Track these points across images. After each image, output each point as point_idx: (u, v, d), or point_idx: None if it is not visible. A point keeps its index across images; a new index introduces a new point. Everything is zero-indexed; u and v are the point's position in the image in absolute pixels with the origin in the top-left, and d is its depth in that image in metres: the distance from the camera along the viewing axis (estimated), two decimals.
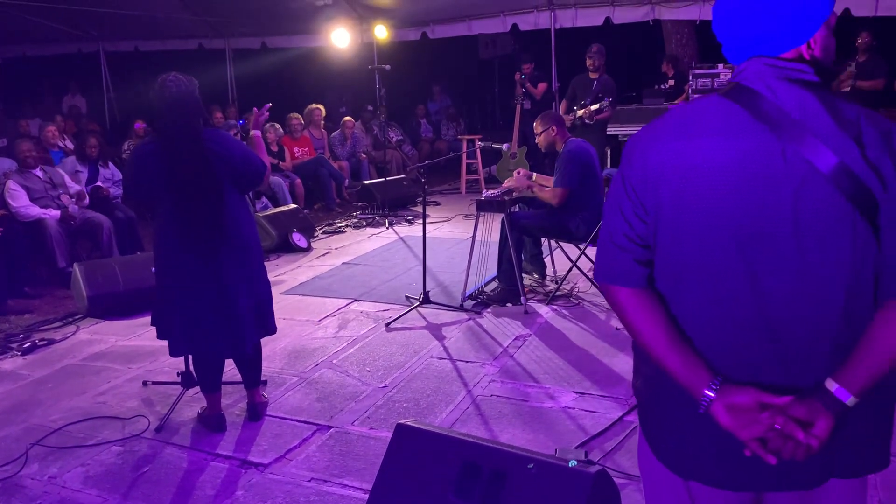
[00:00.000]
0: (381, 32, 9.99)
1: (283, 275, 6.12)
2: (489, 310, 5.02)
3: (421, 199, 5.31)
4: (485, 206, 5.15)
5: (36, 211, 5.87)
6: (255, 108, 3.81)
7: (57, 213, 5.95)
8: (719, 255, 1.37)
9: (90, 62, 12.23)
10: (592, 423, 3.34)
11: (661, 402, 1.53)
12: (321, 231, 7.83)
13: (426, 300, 5.02)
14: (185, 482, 3.00)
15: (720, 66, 8.38)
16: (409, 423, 2.43)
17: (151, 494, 2.91)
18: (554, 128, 5.18)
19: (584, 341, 4.38)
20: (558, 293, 5.22)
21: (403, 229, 7.84)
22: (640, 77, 10.39)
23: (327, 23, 10.12)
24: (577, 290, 5.34)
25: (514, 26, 9.87)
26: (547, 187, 5.20)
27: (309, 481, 2.95)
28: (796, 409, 1.33)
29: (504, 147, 6.39)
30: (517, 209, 5.37)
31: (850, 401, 1.32)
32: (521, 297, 4.99)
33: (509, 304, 5.10)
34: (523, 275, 5.28)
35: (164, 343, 3.37)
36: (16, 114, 10.21)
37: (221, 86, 11.79)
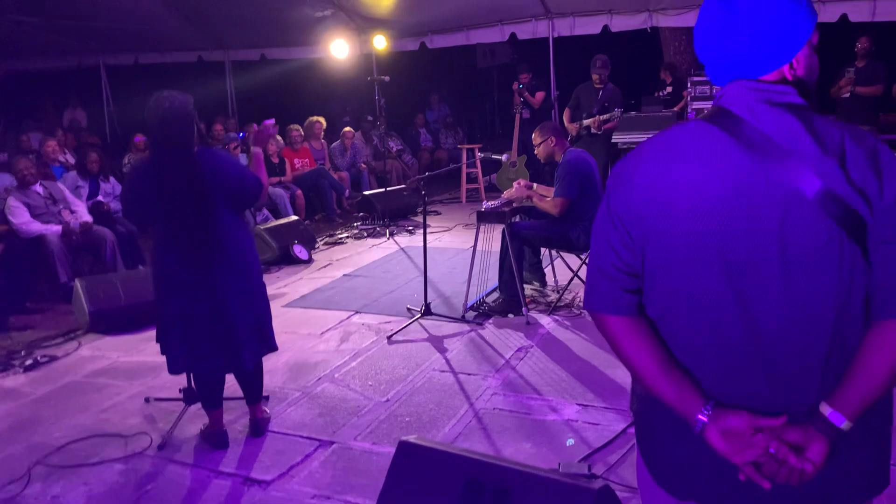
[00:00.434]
0: (380, 43, 10.01)
1: (285, 287, 6.12)
2: (491, 321, 5.02)
3: (421, 208, 5.31)
4: (485, 218, 5.16)
5: (37, 227, 5.88)
6: (255, 125, 3.80)
7: (58, 228, 5.95)
8: (708, 281, 1.37)
9: (90, 75, 12.27)
10: (596, 436, 3.33)
11: (657, 424, 1.53)
12: (322, 242, 7.83)
13: (427, 312, 5.02)
14: (188, 500, 3.00)
15: None
16: (411, 440, 2.43)
17: None
18: (552, 138, 5.19)
19: (586, 352, 4.38)
20: (559, 303, 5.22)
21: (404, 239, 7.84)
22: (639, 84, 10.41)
23: (326, 34, 10.15)
24: (578, 299, 5.33)
25: (513, 35, 9.90)
26: (547, 197, 5.21)
27: (312, 498, 2.95)
28: (790, 433, 1.33)
29: (504, 158, 6.40)
30: (517, 219, 5.37)
31: (845, 425, 1.31)
32: (523, 308, 4.98)
33: (511, 315, 5.10)
34: (524, 284, 5.28)
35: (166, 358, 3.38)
36: (17, 127, 10.24)
37: (221, 98, 11.83)
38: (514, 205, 5.27)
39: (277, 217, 8.07)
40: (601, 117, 7.54)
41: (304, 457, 3.29)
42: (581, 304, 5.24)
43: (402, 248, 7.40)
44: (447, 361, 4.32)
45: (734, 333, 1.37)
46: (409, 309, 5.24)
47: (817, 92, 1.46)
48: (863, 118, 7.65)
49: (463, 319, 5.00)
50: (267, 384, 3.83)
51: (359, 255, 7.22)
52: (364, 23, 10.29)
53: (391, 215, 8.59)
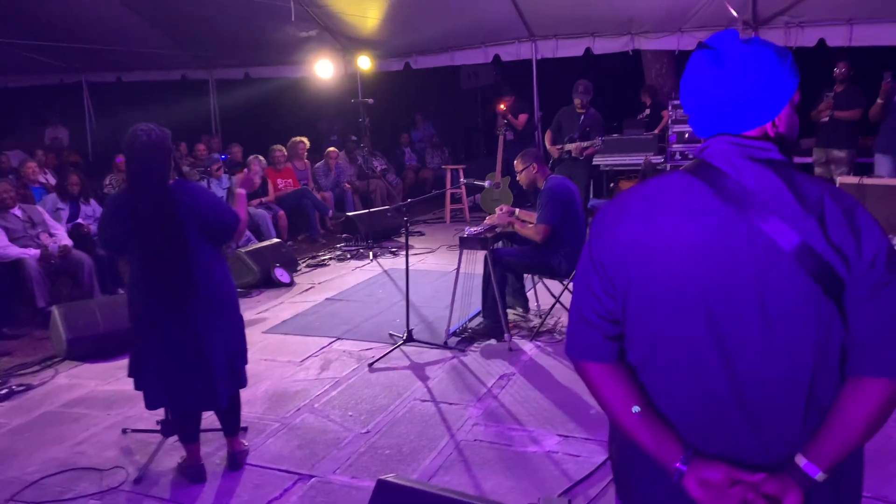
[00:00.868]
0: (365, 63, 10.04)
1: (265, 312, 6.08)
2: (473, 346, 5.01)
3: (404, 230, 5.30)
4: (467, 244, 5.15)
5: (15, 251, 5.81)
6: (245, 170, 3.79)
7: (37, 252, 5.89)
8: (689, 332, 1.38)
9: (73, 92, 12.21)
10: (576, 468, 3.32)
11: (635, 470, 1.53)
12: (304, 264, 7.80)
13: (410, 338, 5.00)
14: None
15: None
16: (389, 479, 2.40)
17: None
18: (534, 165, 5.21)
19: (569, 379, 4.37)
20: (542, 329, 5.22)
21: (388, 262, 7.83)
22: (621, 106, 10.49)
23: (311, 54, 10.16)
24: (560, 325, 5.34)
25: (496, 57, 9.96)
26: (529, 223, 5.22)
27: None
28: (767, 485, 1.34)
29: (487, 184, 6.41)
30: (500, 245, 5.37)
31: (819, 476, 1.33)
32: (506, 335, 4.98)
33: (493, 340, 5.09)
34: (507, 309, 5.28)
35: None
36: None
37: (205, 117, 11.81)
38: (497, 230, 5.28)
39: (260, 238, 8.03)
40: (583, 144, 7.58)
41: (283, 491, 3.25)
42: (563, 330, 5.24)
43: (385, 271, 7.38)
44: (429, 390, 4.30)
45: (714, 383, 1.38)
46: (391, 335, 5.22)
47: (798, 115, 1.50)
48: (842, 141, 7.74)
49: (445, 346, 4.98)
50: (245, 414, 3.79)
51: (341, 278, 7.19)
52: (349, 43, 10.32)
53: (375, 236, 8.56)
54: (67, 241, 6.16)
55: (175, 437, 3.53)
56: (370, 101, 8.58)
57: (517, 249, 5.29)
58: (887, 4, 7.51)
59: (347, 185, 10.44)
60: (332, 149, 10.68)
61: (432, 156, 12.64)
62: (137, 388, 3.31)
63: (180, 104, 11.67)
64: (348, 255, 8.14)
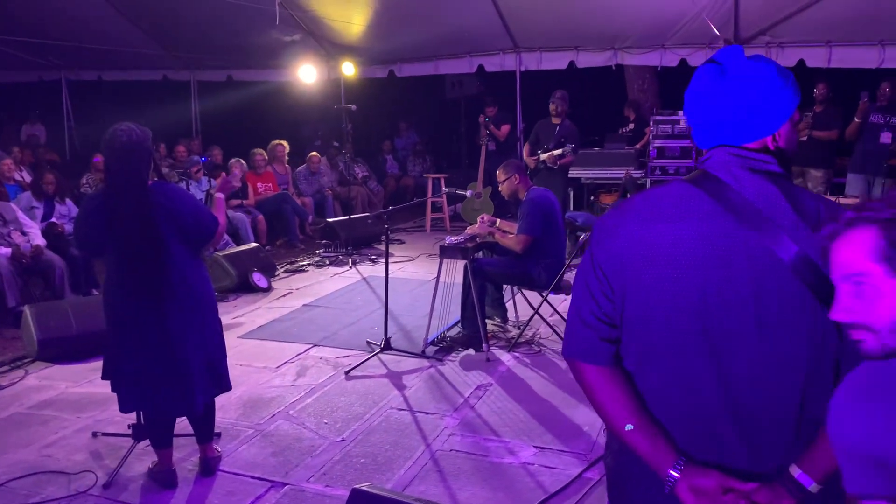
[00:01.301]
0: (349, 69, 10.03)
1: (242, 317, 6.02)
2: (451, 356, 4.99)
3: (385, 237, 5.28)
4: (448, 253, 5.14)
5: None
6: (223, 174, 3.75)
7: (8, 250, 5.79)
8: (684, 338, 1.40)
9: (51, 90, 12.06)
10: (552, 480, 3.31)
11: (630, 476, 1.54)
12: (283, 270, 7.74)
13: (387, 346, 4.97)
14: None
15: (680, 112, 8.56)
16: (363, 489, 2.38)
17: None
18: (516, 176, 5.22)
19: (546, 391, 4.37)
20: (520, 340, 5.21)
21: (367, 269, 7.79)
22: (603, 121, 10.57)
23: (295, 58, 10.13)
24: (538, 336, 5.34)
25: (481, 67, 10.01)
26: (510, 234, 5.23)
27: None
28: (760, 494, 1.36)
29: (468, 193, 6.42)
30: (480, 255, 5.37)
31: (813, 487, 1.35)
32: (484, 345, 4.97)
33: (472, 350, 5.08)
34: (485, 320, 5.27)
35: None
36: None
37: (185, 118, 11.72)
38: (478, 240, 5.28)
39: (238, 242, 7.96)
40: (555, 153, 7.61)
41: (255, 498, 3.21)
42: (541, 342, 5.25)
43: (364, 278, 7.34)
44: (405, 399, 4.27)
45: (708, 390, 1.40)
46: (368, 343, 5.19)
47: None
48: (819, 161, 7.86)
49: (423, 355, 4.96)
50: (219, 420, 3.75)
51: (320, 284, 7.15)
52: (333, 49, 10.31)
53: (354, 243, 8.53)
54: (41, 241, 6.06)
55: (146, 442, 3.47)
56: (353, 107, 8.56)
57: (497, 260, 5.29)
58: (864, 28, 7.66)
59: (328, 191, 10.39)
60: (314, 154, 10.64)
61: (414, 164, 12.64)
62: (114, 390, 3.26)
63: (161, 105, 11.57)
64: (327, 262, 8.10)
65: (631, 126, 9.77)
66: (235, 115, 12.31)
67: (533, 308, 5.31)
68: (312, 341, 5.32)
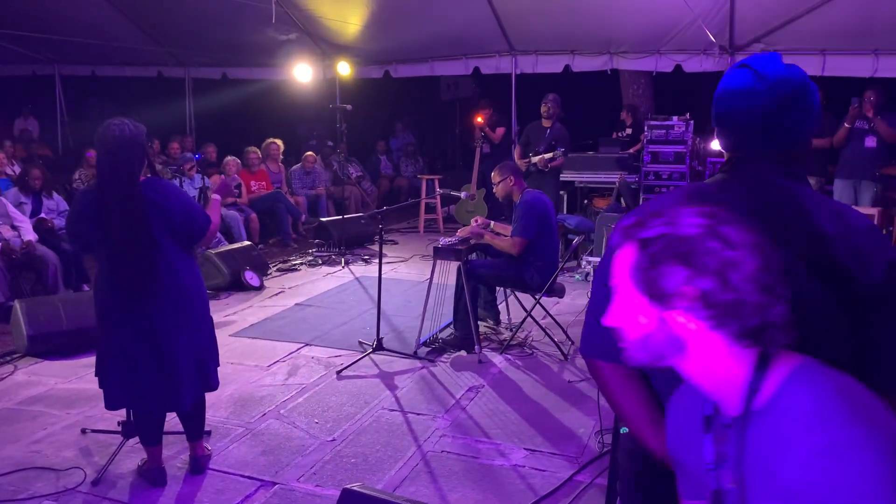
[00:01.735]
0: (344, 69, 10.03)
1: (234, 315, 6.00)
2: (443, 357, 4.99)
3: (378, 237, 5.27)
4: (441, 254, 5.14)
5: None
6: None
7: None
8: None
9: (45, 84, 12.00)
10: (542, 483, 3.31)
11: (645, 476, 1.57)
12: (275, 268, 7.72)
13: (379, 347, 4.96)
14: None
15: (674, 118, 8.60)
16: (354, 488, 2.37)
17: None
18: (511, 178, 5.23)
19: (537, 394, 4.37)
20: (512, 342, 5.22)
21: (359, 269, 7.78)
22: (597, 125, 10.59)
23: (290, 57, 10.12)
24: (531, 339, 5.34)
25: (476, 69, 10.02)
26: (504, 236, 5.23)
27: None
28: None
29: (463, 195, 6.41)
30: (474, 257, 5.37)
31: None
32: (476, 346, 4.97)
33: (463, 352, 5.07)
34: (478, 321, 5.27)
35: None
36: None
37: (180, 115, 11.69)
38: (472, 242, 5.28)
39: (230, 240, 7.93)
40: (545, 156, 7.62)
41: (244, 497, 3.20)
42: (533, 344, 5.25)
43: (356, 278, 7.33)
44: (397, 400, 4.26)
45: None
46: (360, 343, 5.18)
47: None
48: (812, 169, 7.89)
49: (415, 356, 4.95)
50: (209, 418, 3.73)
51: (312, 284, 7.14)
52: (329, 48, 10.30)
53: (347, 243, 8.51)
54: (32, 236, 6.03)
55: (136, 439, 3.45)
56: (348, 107, 8.55)
57: (491, 262, 5.29)
58: (858, 37, 7.71)
59: (321, 191, 10.37)
60: (309, 153, 10.62)
61: (407, 165, 12.64)
62: (102, 386, 3.24)
63: (155, 101, 11.54)
64: (320, 261, 8.08)
65: (628, 131, 9.79)
66: (230, 113, 12.29)
67: (525, 310, 5.32)
68: (304, 340, 5.31)
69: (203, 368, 3.28)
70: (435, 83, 14.14)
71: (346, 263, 7.94)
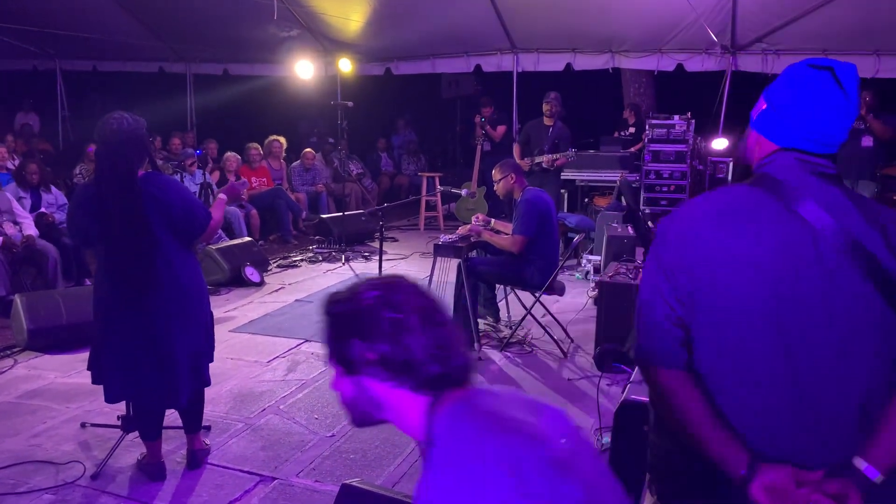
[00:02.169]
0: (346, 66, 10.03)
1: (234, 311, 6.00)
2: None
3: (378, 234, 5.27)
4: (441, 251, 5.14)
5: None
6: (232, 178, 3.71)
7: None
8: (758, 340, 1.43)
9: (46, 79, 12.00)
10: None
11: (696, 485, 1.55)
12: (275, 264, 7.72)
13: None
14: None
15: (676, 117, 8.59)
16: (354, 484, 2.38)
17: None
18: (512, 176, 5.23)
19: (536, 391, 4.37)
20: (512, 340, 5.22)
21: (360, 266, 7.79)
22: (599, 123, 10.59)
23: (292, 54, 10.12)
24: (530, 336, 5.34)
25: (478, 67, 10.02)
26: (504, 233, 5.23)
27: None
28: (830, 485, 1.38)
29: (463, 192, 6.42)
30: (474, 255, 5.37)
31: (878, 478, 1.38)
32: (476, 344, 4.97)
33: None
34: (478, 319, 5.27)
35: None
36: None
37: (181, 111, 11.67)
38: (472, 239, 5.28)
39: (231, 236, 7.93)
40: (554, 155, 7.62)
41: (244, 492, 3.20)
42: (532, 342, 5.25)
43: (356, 275, 7.34)
44: None
45: (780, 388, 1.43)
46: None
47: None
48: None
49: None
50: (209, 413, 3.74)
51: (312, 280, 7.14)
52: (330, 45, 10.30)
53: (348, 240, 8.52)
54: (33, 231, 6.03)
55: (135, 433, 3.46)
56: (349, 104, 8.55)
57: (491, 259, 5.29)
58: (860, 38, 7.71)
59: (321, 187, 10.37)
60: (308, 150, 10.62)
61: (408, 162, 12.63)
62: (95, 381, 3.24)
63: (156, 97, 11.52)
64: (320, 258, 8.09)
65: (631, 130, 9.79)
66: (231, 109, 12.28)
67: (525, 308, 5.32)
68: (304, 336, 5.32)
69: (198, 364, 3.27)
70: (436, 80, 14.13)
71: (347, 260, 7.95)
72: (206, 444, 3.55)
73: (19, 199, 6.53)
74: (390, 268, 7.53)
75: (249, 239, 7.73)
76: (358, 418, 1.39)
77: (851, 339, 1.40)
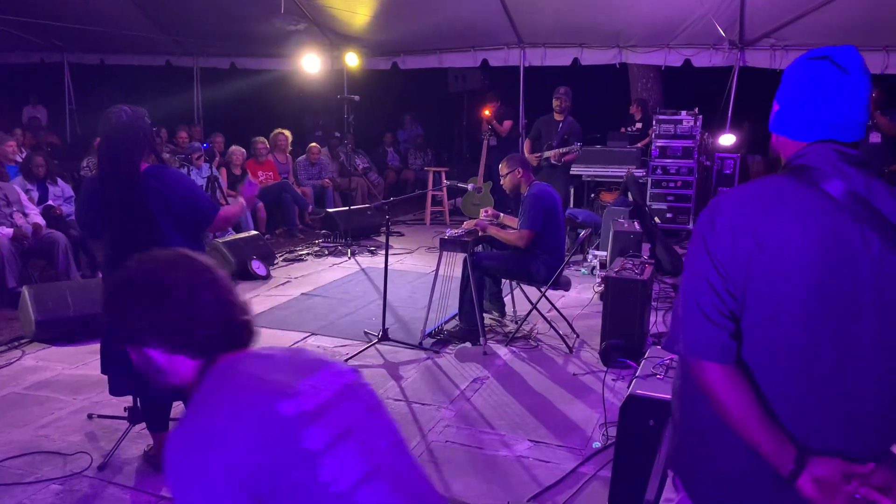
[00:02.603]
0: (352, 60, 10.02)
1: None
2: (448, 348, 5.00)
3: (384, 229, 5.28)
4: (447, 245, 5.14)
5: None
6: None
7: (9, 231, 5.78)
8: (810, 333, 1.42)
9: (53, 72, 12.03)
10: (546, 474, 3.32)
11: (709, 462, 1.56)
12: (281, 258, 7.74)
13: (385, 337, 4.98)
14: None
15: (683, 112, 8.57)
16: None
17: None
18: (519, 170, 5.22)
19: (542, 386, 4.38)
20: (517, 334, 5.22)
21: (365, 260, 7.80)
22: (606, 118, 10.57)
23: (298, 47, 10.12)
24: (536, 331, 5.35)
25: (485, 62, 10.01)
26: (512, 228, 5.23)
27: None
28: (875, 476, 1.38)
29: (469, 187, 6.41)
30: (480, 249, 5.38)
31: None
32: (481, 338, 4.97)
33: (468, 344, 5.08)
34: (483, 313, 5.27)
35: None
36: None
37: (188, 105, 11.69)
38: (480, 233, 5.27)
39: (237, 230, 7.96)
40: (561, 150, 7.60)
41: None
42: (538, 336, 5.25)
43: (362, 269, 7.35)
44: (402, 390, 4.28)
45: (829, 381, 1.43)
46: (366, 333, 5.19)
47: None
48: None
49: (420, 346, 4.96)
50: None
51: (318, 274, 7.15)
52: (337, 39, 10.29)
53: (354, 234, 8.53)
54: (40, 221, 6.05)
55: (142, 425, 3.48)
56: (356, 97, 8.55)
57: (497, 254, 5.29)
58: (870, 33, 7.66)
59: (328, 182, 10.38)
60: (314, 144, 10.63)
61: (415, 157, 12.63)
62: (103, 371, 3.26)
63: (163, 90, 11.55)
64: (326, 252, 8.10)
65: (638, 125, 9.76)
66: (238, 103, 12.29)
67: (531, 303, 5.32)
68: (310, 330, 5.33)
69: None
70: (443, 75, 14.13)
71: (352, 254, 7.96)
72: None
73: (26, 192, 6.55)
74: (396, 262, 7.54)
75: (256, 232, 7.75)
76: (153, 384, 1.50)
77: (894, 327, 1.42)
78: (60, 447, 3.51)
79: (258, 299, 6.20)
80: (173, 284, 1.40)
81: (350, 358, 4.72)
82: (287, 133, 10.01)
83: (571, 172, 8.53)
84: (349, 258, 7.83)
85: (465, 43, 9.86)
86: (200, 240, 3.39)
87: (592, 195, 9.41)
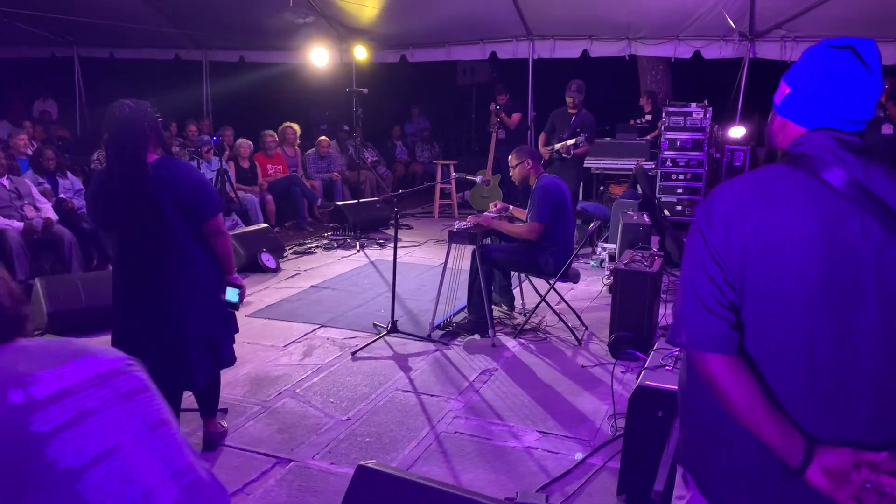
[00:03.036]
0: (361, 53, 10.02)
1: (251, 296, 6.04)
2: (457, 341, 5.01)
3: (393, 222, 5.29)
4: (456, 238, 5.15)
5: None
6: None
7: (20, 224, 5.83)
8: (812, 321, 1.41)
9: (64, 67, 12.07)
10: (555, 465, 3.33)
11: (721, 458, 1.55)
12: (291, 251, 7.77)
13: (394, 329, 5.00)
14: None
15: (693, 104, 8.53)
16: (369, 465, 2.40)
17: None
18: (528, 161, 5.22)
19: (550, 378, 4.39)
20: (526, 327, 5.23)
21: (374, 253, 7.82)
22: (615, 111, 10.54)
23: (307, 41, 10.12)
24: (544, 324, 5.35)
25: (493, 54, 9.98)
26: (521, 221, 5.23)
27: None
28: (888, 462, 1.38)
29: (478, 179, 6.42)
30: (488, 241, 5.38)
31: None
32: (490, 331, 4.98)
33: (477, 336, 5.10)
34: (492, 306, 5.28)
35: None
36: None
37: (197, 98, 11.72)
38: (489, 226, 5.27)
39: (247, 223, 7.99)
40: (568, 142, 7.58)
41: (261, 474, 3.24)
42: (547, 329, 5.26)
43: (371, 262, 7.37)
44: (411, 381, 4.30)
45: (832, 369, 1.42)
46: (375, 325, 5.21)
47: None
48: None
49: (429, 338, 4.98)
50: (226, 396, 3.78)
51: (327, 267, 7.18)
52: (346, 32, 10.29)
53: (362, 227, 8.55)
54: (52, 216, 6.10)
55: None
56: (364, 90, 8.55)
57: (505, 246, 5.30)
58: (881, 25, 7.60)
59: (337, 175, 10.40)
60: (323, 137, 10.65)
61: (423, 150, 12.63)
62: None
63: (173, 84, 11.57)
64: (335, 244, 8.13)
65: (647, 117, 9.73)
66: (247, 97, 12.30)
67: (540, 295, 5.33)
68: (320, 322, 5.35)
69: (215, 348, 3.29)
70: (451, 68, 14.11)
71: (361, 247, 7.98)
72: (223, 427, 3.59)
73: (39, 185, 6.60)
74: (405, 255, 7.56)
75: (265, 225, 7.78)
76: None
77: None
78: None
79: (268, 291, 6.23)
80: None
81: (360, 349, 4.74)
82: (295, 126, 10.03)
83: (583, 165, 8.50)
84: (358, 251, 7.85)
85: (474, 35, 9.83)
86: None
87: (601, 187, 9.39)
